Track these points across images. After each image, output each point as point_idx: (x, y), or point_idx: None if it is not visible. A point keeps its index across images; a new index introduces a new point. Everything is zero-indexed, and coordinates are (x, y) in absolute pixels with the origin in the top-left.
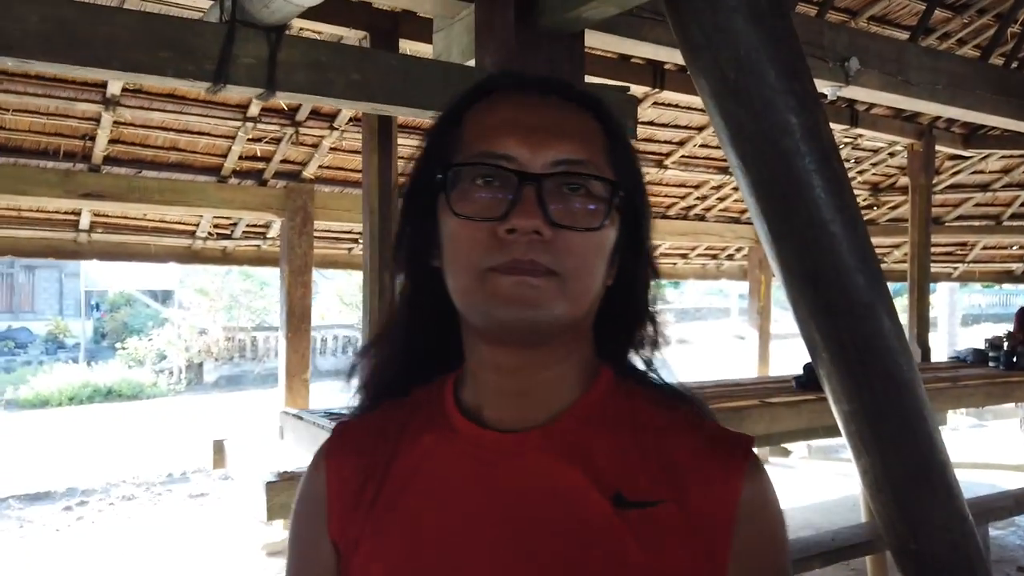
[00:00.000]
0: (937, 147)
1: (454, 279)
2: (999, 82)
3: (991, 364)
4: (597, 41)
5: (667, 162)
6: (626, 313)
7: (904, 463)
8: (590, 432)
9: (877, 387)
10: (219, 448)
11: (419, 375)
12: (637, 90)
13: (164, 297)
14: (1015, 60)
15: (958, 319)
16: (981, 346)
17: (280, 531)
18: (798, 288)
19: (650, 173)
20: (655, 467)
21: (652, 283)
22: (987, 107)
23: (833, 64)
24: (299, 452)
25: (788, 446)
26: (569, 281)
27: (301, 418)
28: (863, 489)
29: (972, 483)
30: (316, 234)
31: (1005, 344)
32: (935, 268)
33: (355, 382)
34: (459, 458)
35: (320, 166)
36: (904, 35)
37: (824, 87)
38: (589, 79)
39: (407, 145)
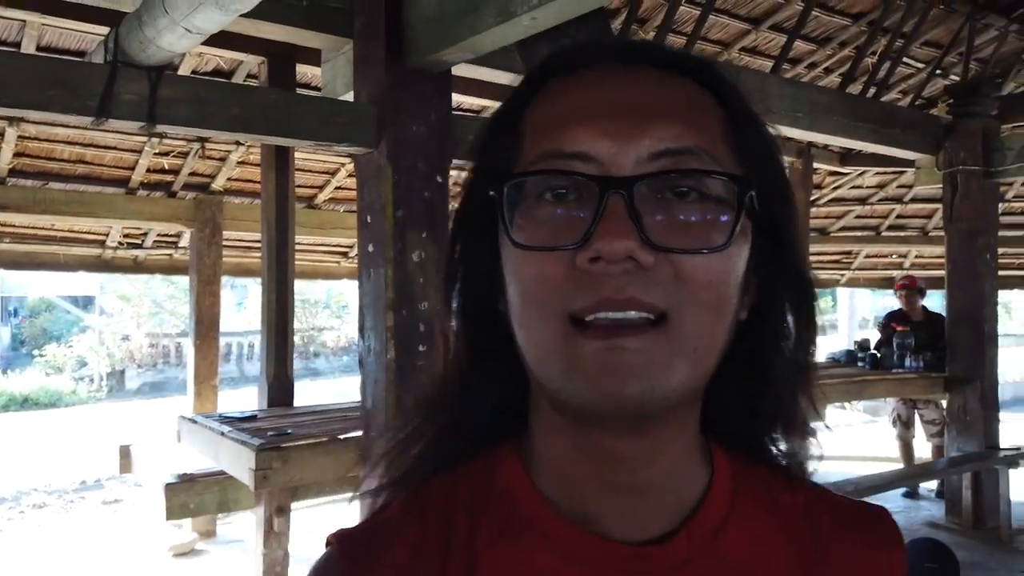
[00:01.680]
0: (817, 164)
1: (523, 333)
2: (856, 109)
3: (859, 364)
4: (471, 72)
5: None
6: (761, 362)
7: None
8: (736, 528)
9: None
10: (125, 453)
11: (470, 447)
12: None
13: (85, 303)
14: (872, 87)
15: (856, 322)
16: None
17: (188, 533)
18: None
19: None
20: (805, 556)
21: (811, 312)
22: (845, 132)
23: None
24: (194, 455)
25: None
26: (686, 327)
27: (195, 422)
28: None
29: (855, 474)
30: (228, 243)
31: (871, 346)
32: (825, 275)
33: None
34: None
35: (229, 179)
36: (773, 63)
37: None
38: (472, 100)
39: (307, 159)
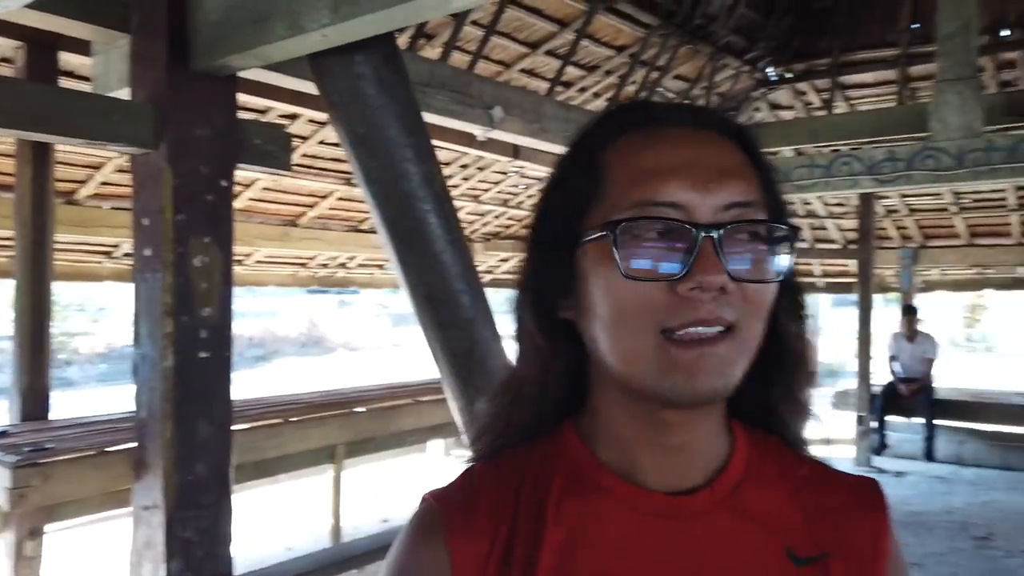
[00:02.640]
0: None
1: (613, 342)
2: None
3: None
4: (263, 76)
5: (356, 180)
6: (772, 360)
7: None
8: (751, 487)
9: (480, 387)
10: None
11: (538, 425)
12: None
13: None
14: None
15: None
16: None
17: None
18: (419, 306)
19: (340, 190)
20: (813, 519)
21: (804, 313)
22: None
23: (481, 111)
24: None
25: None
26: (747, 336)
27: None
28: None
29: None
30: None
31: None
32: None
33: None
34: (630, 525)
35: None
36: (549, 85)
37: (474, 129)
38: (263, 101)
39: (69, 151)
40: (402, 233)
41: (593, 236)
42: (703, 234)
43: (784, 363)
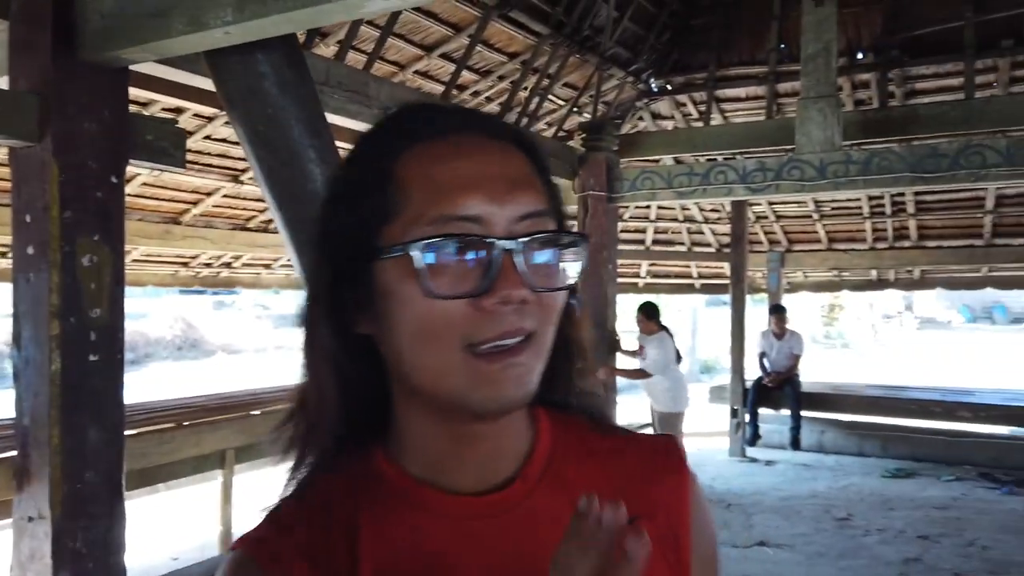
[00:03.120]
0: None
1: (422, 359)
2: None
3: None
4: (148, 68)
5: (243, 177)
6: (560, 350)
7: None
8: (559, 468)
9: None
10: None
11: (341, 450)
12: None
13: None
14: (524, 118)
15: None
16: None
17: None
18: None
19: (226, 187)
20: (619, 488)
21: (578, 315)
22: None
23: (378, 111)
24: None
25: None
26: (544, 341)
27: None
28: None
29: None
30: None
31: None
32: None
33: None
34: (450, 534)
35: None
36: (444, 88)
37: None
38: (146, 94)
39: None
40: (306, 236)
41: (393, 253)
42: (503, 247)
43: (568, 351)
